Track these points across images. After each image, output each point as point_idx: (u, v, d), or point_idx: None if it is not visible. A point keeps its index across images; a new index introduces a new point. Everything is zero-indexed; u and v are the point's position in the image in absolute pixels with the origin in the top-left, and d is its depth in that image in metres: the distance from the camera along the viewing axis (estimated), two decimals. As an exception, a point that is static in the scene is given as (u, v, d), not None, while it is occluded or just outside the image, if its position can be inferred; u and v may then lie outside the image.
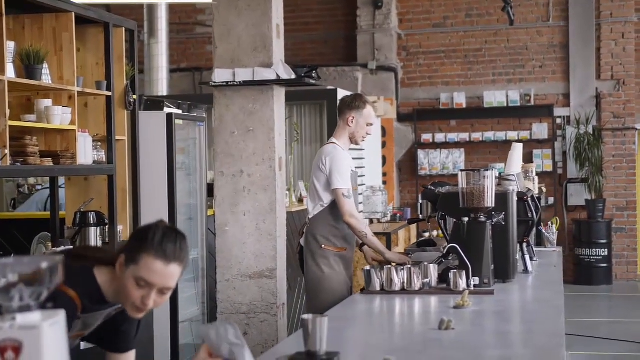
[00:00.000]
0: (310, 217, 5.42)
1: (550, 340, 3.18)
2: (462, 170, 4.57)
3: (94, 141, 5.63)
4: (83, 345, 4.58)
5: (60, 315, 1.80)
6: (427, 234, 12.42)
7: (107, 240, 5.72)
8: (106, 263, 2.75)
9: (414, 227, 11.63)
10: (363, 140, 5.57)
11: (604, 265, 12.57)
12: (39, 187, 9.18)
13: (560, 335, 3.24)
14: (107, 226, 5.70)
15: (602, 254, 12.54)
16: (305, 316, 2.78)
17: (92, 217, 5.53)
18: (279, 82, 6.04)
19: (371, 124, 5.48)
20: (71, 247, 5.10)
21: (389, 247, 9.20)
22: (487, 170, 4.53)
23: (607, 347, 8.54)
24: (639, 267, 13.10)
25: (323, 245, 5.34)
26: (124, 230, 5.99)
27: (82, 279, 2.71)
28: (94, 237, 5.54)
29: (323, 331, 2.77)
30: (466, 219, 4.50)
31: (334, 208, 5.32)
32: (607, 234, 12.59)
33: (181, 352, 6.54)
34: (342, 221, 5.30)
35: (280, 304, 5.86)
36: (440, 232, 12.32)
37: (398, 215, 11.19)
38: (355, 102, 5.46)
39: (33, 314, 1.77)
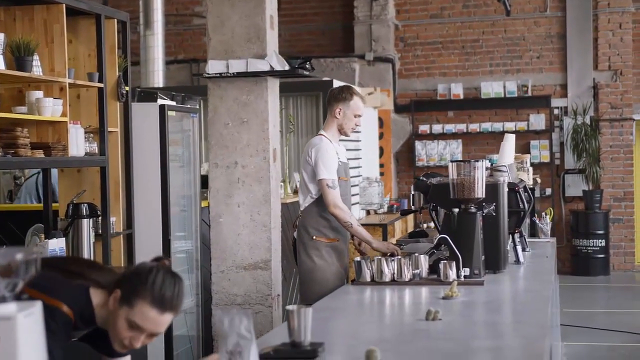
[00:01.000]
0: (301, 209, 5.47)
1: (535, 331, 3.18)
2: (452, 161, 4.58)
3: (86, 133, 5.63)
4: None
5: (36, 307, 1.81)
6: (424, 225, 12.43)
7: (99, 232, 5.72)
8: (102, 286, 2.75)
9: (410, 218, 11.64)
10: (353, 131, 5.58)
11: (601, 256, 12.58)
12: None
13: (545, 326, 3.24)
14: (99, 218, 5.70)
15: (600, 245, 12.54)
16: (290, 307, 2.79)
17: (84, 209, 5.53)
18: (272, 73, 6.03)
19: (359, 115, 5.49)
20: (64, 256, 5.08)
21: (384, 239, 9.21)
22: (478, 161, 4.53)
23: (603, 337, 8.55)
24: (636, 258, 13.11)
25: (314, 237, 5.37)
26: (116, 222, 5.99)
27: (78, 298, 2.71)
28: (87, 228, 5.53)
29: (307, 322, 2.79)
30: (456, 209, 4.51)
31: (323, 199, 5.34)
32: (604, 224, 12.59)
33: (175, 343, 6.55)
34: None
35: (275, 295, 5.87)
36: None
37: (395, 206, 11.19)
38: (342, 93, 5.48)
39: (8, 305, 1.77)
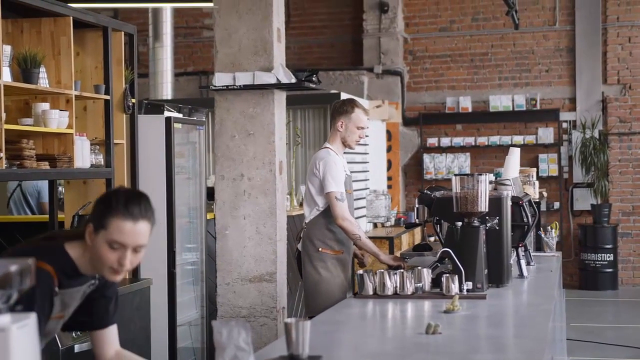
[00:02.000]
0: (306, 221, 5.49)
1: (534, 345, 3.18)
2: (456, 175, 4.58)
3: (92, 145, 5.66)
4: (77, 347, 4.63)
5: (31, 318, 1.82)
6: (432, 239, 12.41)
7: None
8: (76, 238, 2.83)
9: (418, 231, 11.62)
10: (357, 144, 5.61)
11: (610, 270, 12.53)
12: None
13: (545, 340, 3.23)
14: (105, 229, 5.71)
15: (608, 259, 12.50)
16: (288, 320, 2.80)
17: (90, 220, 5.54)
18: (279, 86, 6.05)
19: (362, 128, 5.53)
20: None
21: (391, 252, 9.21)
22: (481, 175, 4.53)
23: (612, 352, 8.51)
24: (645, 272, 13.07)
25: (320, 249, 5.39)
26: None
27: (56, 255, 2.79)
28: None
29: (305, 335, 2.79)
30: (460, 223, 4.50)
31: (330, 212, 5.36)
32: (612, 238, 12.55)
33: (179, 356, 6.55)
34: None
35: (280, 307, 5.87)
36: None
37: (402, 219, 11.19)
38: (343, 106, 5.53)
39: (2, 316, 1.78)
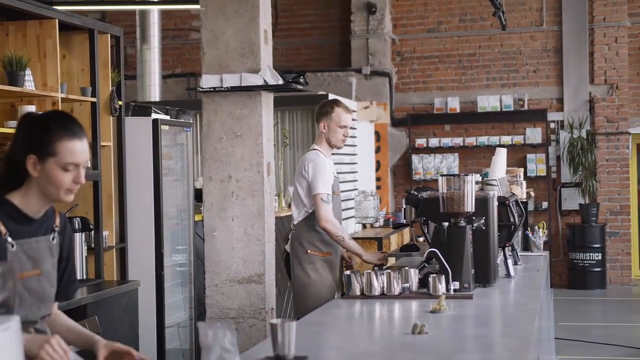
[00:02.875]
0: (294, 223, 5.52)
1: (520, 344, 3.19)
2: (442, 175, 4.59)
3: (79, 147, 5.64)
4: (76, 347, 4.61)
5: (14, 321, 1.82)
6: (421, 239, 12.42)
7: (92, 246, 5.74)
8: (11, 189, 2.78)
9: (407, 231, 11.64)
10: (344, 143, 5.63)
11: (598, 269, 12.58)
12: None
13: (530, 339, 3.25)
14: (92, 232, 5.71)
15: (596, 258, 12.54)
16: (274, 321, 2.80)
17: (77, 223, 5.54)
18: (266, 87, 6.06)
19: (344, 126, 5.55)
20: None
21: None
22: (467, 175, 4.54)
23: (600, 351, 8.54)
24: (633, 271, 13.11)
25: (309, 251, 5.42)
26: (109, 236, 6.01)
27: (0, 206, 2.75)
28: (79, 242, 5.55)
29: (291, 336, 2.80)
30: (446, 223, 4.51)
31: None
32: (601, 238, 12.60)
33: (168, 358, 6.55)
34: None
35: (269, 308, 5.87)
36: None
37: (391, 220, 11.19)
38: (323, 108, 5.60)
39: (-16, 319, 1.79)
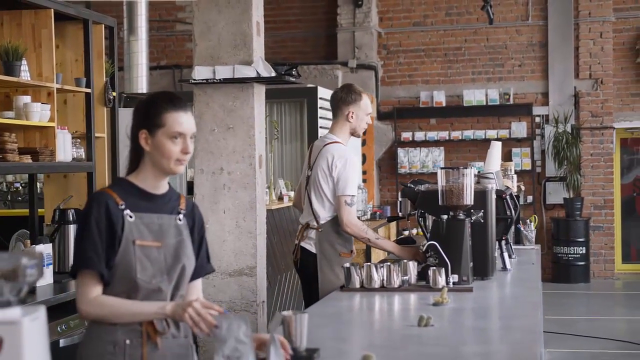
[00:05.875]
0: (321, 222, 5.13)
1: (527, 337, 3.20)
2: (441, 168, 4.59)
3: (73, 138, 5.61)
4: (62, 342, 4.58)
5: (41, 311, 1.80)
6: (406, 232, 12.45)
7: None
8: (130, 172, 3.01)
9: (393, 225, 11.67)
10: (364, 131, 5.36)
11: (582, 263, 12.66)
12: (17, 185, 9.13)
13: (537, 332, 3.26)
14: (86, 223, 5.67)
15: (580, 252, 12.62)
16: (286, 313, 2.79)
17: (71, 215, 5.50)
18: (259, 79, 6.04)
19: (369, 113, 5.27)
20: None
21: (367, 247, 9.20)
22: (467, 168, 4.55)
23: (584, 344, 8.60)
24: (616, 265, 13.20)
25: (341, 254, 5.11)
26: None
27: (114, 182, 3.06)
28: (73, 234, 5.50)
29: (303, 328, 2.79)
30: (445, 216, 4.52)
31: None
32: (584, 232, 12.68)
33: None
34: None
35: (260, 301, 5.87)
36: (419, 229, 12.38)
37: (378, 213, 11.22)
38: (350, 95, 5.19)
39: (13, 309, 1.77)
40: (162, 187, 3.03)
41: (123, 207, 2.91)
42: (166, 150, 2.92)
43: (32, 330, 1.75)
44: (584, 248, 12.63)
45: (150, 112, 2.96)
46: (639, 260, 13.51)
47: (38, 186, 6.40)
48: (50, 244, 5.29)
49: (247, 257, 6.01)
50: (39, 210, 5.86)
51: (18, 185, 9.31)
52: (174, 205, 3.05)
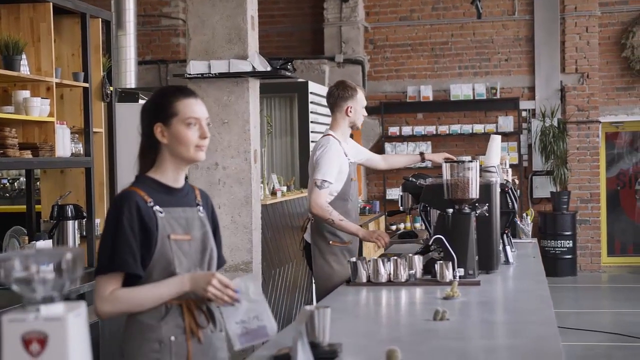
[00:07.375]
0: (313, 212, 5.24)
1: (545, 330, 3.20)
2: (446, 162, 4.58)
3: (71, 133, 5.56)
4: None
5: (82, 307, 1.78)
6: (394, 227, 12.46)
7: (84, 233, 5.65)
8: (146, 170, 2.99)
9: (382, 219, 11.67)
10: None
11: (569, 256, 12.72)
12: (5, 181, 9.05)
13: (554, 325, 3.26)
14: (85, 219, 5.63)
15: (567, 246, 12.68)
16: (309, 307, 2.77)
17: (69, 211, 5.46)
18: (254, 74, 6.02)
19: (365, 105, 5.50)
20: None
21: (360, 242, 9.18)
22: (472, 161, 4.54)
23: (573, 337, 8.63)
24: (602, 258, 13.27)
25: (331, 242, 5.27)
26: (101, 224, 5.92)
27: (136, 180, 2.99)
28: (72, 230, 5.46)
29: (326, 322, 2.77)
30: (450, 210, 4.51)
31: (337, 203, 5.23)
32: (571, 225, 12.74)
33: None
34: (347, 215, 5.23)
35: (256, 296, 5.84)
36: (409, 224, 12.35)
37: (367, 208, 11.21)
38: (347, 91, 5.38)
39: (57, 305, 1.75)
40: (181, 180, 3.03)
41: (152, 204, 2.90)
42: (183, 137, 2.91)
43: (76, 326, 1.74)
44: (571, 241, 12.68)
45: (162, 104, 2.96)
46: (623, 254, 13.59)
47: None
48: (51, 240, 5.24)
49: (243, 252, 6.00)
50: (36, 206, 5.80)
51: (5, 181, 9.23)
52: (192, 198, 3.04)
